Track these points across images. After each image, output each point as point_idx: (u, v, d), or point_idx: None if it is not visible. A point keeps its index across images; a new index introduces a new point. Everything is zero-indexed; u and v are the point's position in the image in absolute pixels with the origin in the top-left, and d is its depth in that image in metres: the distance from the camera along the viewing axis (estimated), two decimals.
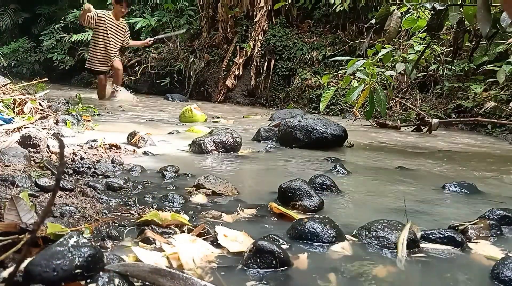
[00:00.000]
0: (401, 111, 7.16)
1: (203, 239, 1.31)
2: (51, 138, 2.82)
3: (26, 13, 15.65)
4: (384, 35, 3.86)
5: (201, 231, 1.36)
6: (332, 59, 7.74)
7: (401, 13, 3.85)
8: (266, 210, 1.71)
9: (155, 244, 1.27)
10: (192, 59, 11.25)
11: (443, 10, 3.40)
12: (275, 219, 1.64)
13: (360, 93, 4.38)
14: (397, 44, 7.32)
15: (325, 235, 1.40)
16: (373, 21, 3.89)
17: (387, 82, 5.66)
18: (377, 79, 4.50)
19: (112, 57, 7.87)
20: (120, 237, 1.31)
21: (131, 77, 12.24)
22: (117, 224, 1.42)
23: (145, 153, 2.92)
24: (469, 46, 5.22)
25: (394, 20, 3.55)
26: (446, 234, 1.44)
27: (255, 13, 10.08)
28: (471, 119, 6.14)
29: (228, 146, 3.12)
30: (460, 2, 3.41)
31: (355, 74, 4.44)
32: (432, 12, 3.57)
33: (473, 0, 3.28)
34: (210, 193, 1.92)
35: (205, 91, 10.96)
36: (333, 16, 9.49)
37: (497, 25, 3.26)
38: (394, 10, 3.65)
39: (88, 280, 0.96)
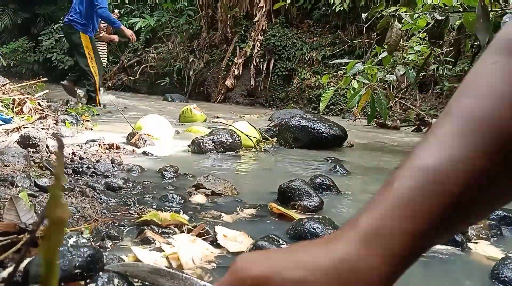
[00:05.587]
0: (401, 111, 7.17)
1: (203, 239, 1.31)
2: (50, 138, 2.82)
3: (25, 13, 15.65)
4: (384, 46, 3.84)
5: (201, 231, 1.36)
6: (333, 61, 7.73)
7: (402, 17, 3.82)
8: (266, 210, 1.71)
9: (155, 244, 1.26)
10: (191, 59, 11.25)
11: (443, 20, 3.42)
12: (275, 219, 1.64)
13: (361, 97, 4.37)
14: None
15: (325, 235, 1.40)
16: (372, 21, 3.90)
17: (386, 83, 5.66)
18: (377, 79, 4.49)
19: None
20: (120, 237, 1.31)
21: (131, 77, 12.25)
22: (116, 224, 1.42)
23: (144, 153, 2.91)
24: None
25: (394, 33, 3.53)
26: None
27: (254, 13, 10.08)
28: None
29: (227, 146, 3.12)
30: (461, 9, 3.42)
31: (356, 77, 4.44)
32: (432, 21, 3.59)
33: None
34: (210, 193, 1.91)
35: (204, 91, 10.97)
36: (333, 16, 9.50)
37: (498, 29, 3.26)
38: (394, 22, 3.61)
39: (88, 280, 0.95)
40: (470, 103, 0.45)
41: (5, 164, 2.08)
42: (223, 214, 1.62)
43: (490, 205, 0.47)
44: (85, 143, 2.93)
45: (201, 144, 3.07)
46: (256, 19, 10.00)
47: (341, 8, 8.53)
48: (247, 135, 3.36)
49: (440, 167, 0.43)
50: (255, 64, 9.97)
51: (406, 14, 3.67)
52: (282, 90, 9.70)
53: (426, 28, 3.98)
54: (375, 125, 5.98)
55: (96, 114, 5.25)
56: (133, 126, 3.44)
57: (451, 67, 6.71)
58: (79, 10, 6.16)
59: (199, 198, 1.85)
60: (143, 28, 12.17)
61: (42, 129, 3.28)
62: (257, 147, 3.35)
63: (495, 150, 0.43)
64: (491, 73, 0.46)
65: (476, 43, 3.92)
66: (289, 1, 7.52)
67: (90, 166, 2.20)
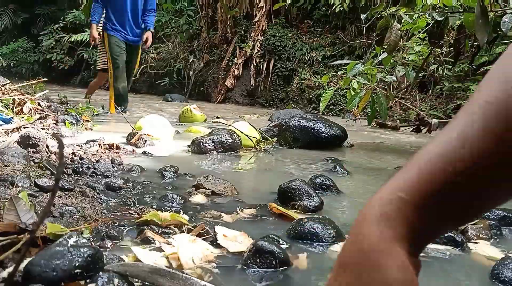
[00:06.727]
0: (400, 111, 7.17)
1: (203, 239, 1.31)
2: (50, 138, 2.82)
3: (25, 13, 15.65)
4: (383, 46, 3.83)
5: (201, 231, 1.36)
6: (334, 63, 7.70)
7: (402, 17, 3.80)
8: (266, 210, 1.71)
9: (155, 244, 1.26)
10: (191, 59, 11.24)
11: (443, 20, 3.42)
12: (275, 219, 1.64)
13: (361, 98, 4.36)
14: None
15: (325, 235, 1.40)
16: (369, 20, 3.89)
17: (386, 83, 5.66)
18: (377, 79, 4.48)
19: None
20: (120, 237, 1.31)
21: None
22: (116, 224, 1.42)
23: (144, 153, 2.91)
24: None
25: (394, 33, 3.52)
26: (446, 234, 1.44)
27: (254, 13, 10.08)
28: None
29: (227, 146, 3.12)
30: (461, 10, 3.42)
31: (356, 78, 4.43)
32: (431, 21, 3.58)
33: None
34: (210, 193, 1.91)
35: (204, 91, 10.96)
36: (333, 16, 9.49)
37: (497, 30, 3.25)
38: (394, 23, 3.60)
39: (88, 280, 0.95)
40: (489, 87, 0.45)
41: (5, 164, 2.08)
42: (223, 214, 1.62)
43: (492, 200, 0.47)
44: (85, 143, 2.93)
45: (201, 144, 3.07)
46: (256, 19, 10.00)
47: (341, 8, 8.51)
48: (247, 135, 3.36)
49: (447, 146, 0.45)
50: (255, 64, 9.96)
51: (406, 15, 3.67)
52: (282, 90, 9.69)
53: (426, 28, 3.97)
54: (375, 125, 5.98)
55: (96, 114, 5.25)
56: (133, 126, 3.44)
57: (451, 67, 6.71)
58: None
59: (199, 198, 1.85)
60: None
61: (42, 129, 3.28)
62: (257, 147, 3.35)
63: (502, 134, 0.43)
64: None
65: (475, 43, 3.92)
66: (289, 2, 7.52)
67: (90, 166, 2.20)
